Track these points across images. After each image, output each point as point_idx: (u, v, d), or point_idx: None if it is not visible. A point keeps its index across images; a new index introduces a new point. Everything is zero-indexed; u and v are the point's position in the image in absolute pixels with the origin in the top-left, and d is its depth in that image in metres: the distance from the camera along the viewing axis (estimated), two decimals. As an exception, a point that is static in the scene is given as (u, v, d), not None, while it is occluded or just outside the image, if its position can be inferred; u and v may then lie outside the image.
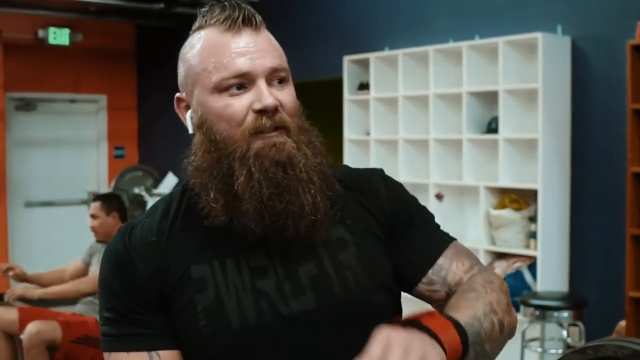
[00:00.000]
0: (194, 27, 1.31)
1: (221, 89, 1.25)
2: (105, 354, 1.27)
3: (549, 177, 4.82)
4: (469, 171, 5.22)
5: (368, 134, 6.04)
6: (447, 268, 1.33)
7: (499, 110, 4.98)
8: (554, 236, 4.89)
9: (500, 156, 4.99)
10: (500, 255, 5.09)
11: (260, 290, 1.24)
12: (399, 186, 1.43)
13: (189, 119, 1.30)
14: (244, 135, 1.24)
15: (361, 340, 1.07)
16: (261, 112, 1.24)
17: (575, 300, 4.26)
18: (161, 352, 1.24)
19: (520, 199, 5.01)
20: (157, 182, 5.32)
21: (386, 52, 5.93)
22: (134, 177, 5.34)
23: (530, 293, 4.49)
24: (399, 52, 5.70)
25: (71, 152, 8.96)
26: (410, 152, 5.66)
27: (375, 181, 1.39)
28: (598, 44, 4.89)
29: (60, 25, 7.98)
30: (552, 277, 4.87)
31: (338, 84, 6.36)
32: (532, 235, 4.87)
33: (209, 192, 1.24)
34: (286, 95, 1.28)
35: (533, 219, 4.89)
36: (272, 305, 1.24)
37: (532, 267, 4.86)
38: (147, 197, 5.14)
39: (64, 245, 8.93)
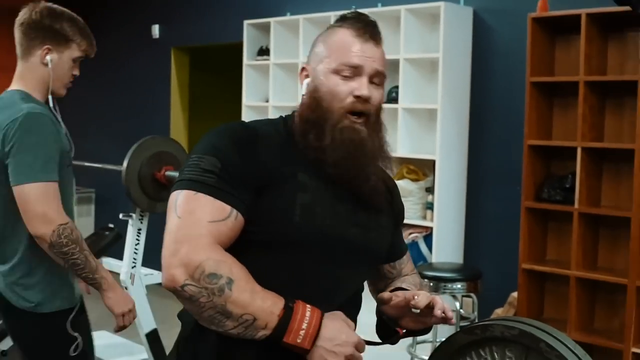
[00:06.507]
0: (334, 24, 1.75)
1: (336, 71, 1.66)
2: (189, 192, 1.55)
3: (447, 148, 4.79)
4: (368, 141, 5.13)
5: (267, 100, 5.89)
6: (404, 263, 1.95)
7: (400, 79, 4.91)
8: (450, 208, 4.87)
9: (399, 126, 4.92)
10: (397, 227, 5.04)
11: (337, 211, 1.66)
12: (400, 195, 1.98)
13: (305, 84, 1.72)
14: (340, 111, 1.66)
15: (366, 265, 1.79)
16: (358, 98, 1.66)
17: (469, 272, 4.25)
18: (239, 216, 1.55)
19: (418, 169, 4.97)
20: None
21: (287, 17, 5.77)
22: None
23: (426, 264, 4.46)
24: (300, 18, 5.56)
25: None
26: (309, 120, 5.54)
27: (395, 186, 1.93)
28: (499, 16, 4.87)
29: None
30: (447, 248, 4.86)
31: (238, 48, 6.17)
32: (429, 206, 4.84)
33: (306, 136, 1.67)
34: (377, 94, 1.70)
35: (430, 190, 4.86)
36: (341, 225, 1.66)
37: (428, 239, 4.84)
38: None
39: None
